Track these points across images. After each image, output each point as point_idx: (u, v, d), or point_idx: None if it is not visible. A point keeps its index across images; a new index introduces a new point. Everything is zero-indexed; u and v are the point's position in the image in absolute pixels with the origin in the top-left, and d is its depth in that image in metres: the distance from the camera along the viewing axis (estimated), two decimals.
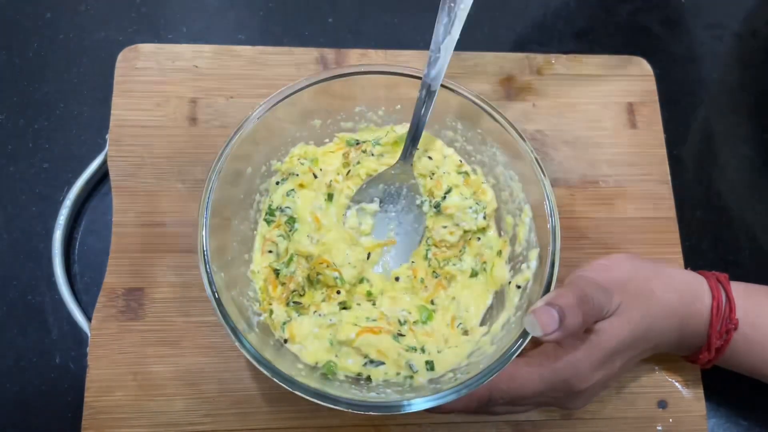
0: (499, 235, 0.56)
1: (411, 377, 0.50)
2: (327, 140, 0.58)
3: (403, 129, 0.56)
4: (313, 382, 0.45)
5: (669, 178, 0.64)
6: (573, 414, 0.56)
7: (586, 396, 0.49)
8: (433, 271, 0.56)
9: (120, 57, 0.62)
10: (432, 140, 0.57)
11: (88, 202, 0.61)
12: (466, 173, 0.57)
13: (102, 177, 0.61)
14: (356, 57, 0.65)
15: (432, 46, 0.50)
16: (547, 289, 0.47)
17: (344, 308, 0.54)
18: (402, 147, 0.55)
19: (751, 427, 0.59)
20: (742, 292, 0.52)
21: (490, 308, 0.54)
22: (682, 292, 0.51)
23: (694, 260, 0.63)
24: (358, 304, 0.54)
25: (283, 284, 0.53)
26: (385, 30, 0.70)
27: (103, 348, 0.54)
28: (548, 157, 0.64)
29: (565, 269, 0.50)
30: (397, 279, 0.55)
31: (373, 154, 0.56)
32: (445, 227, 0.56)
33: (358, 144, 0.57)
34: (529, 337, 0.46)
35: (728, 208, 0.67)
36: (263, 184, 0.55)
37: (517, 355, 0.45)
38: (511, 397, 0.48)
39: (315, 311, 0.53)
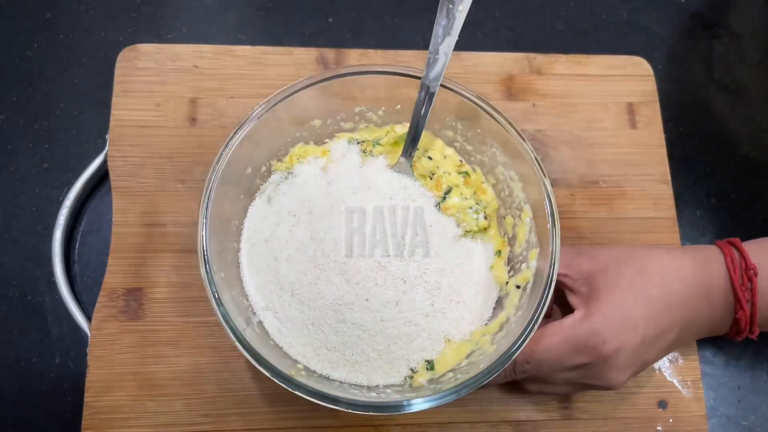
0: (500, 235, 0.56)
1: (411, 377, 0.50)
2: (327, 140, 0.58)
3: (403, 129, 0.56)
4: (313, 382, 0.45)
5: (669, 178, 0.64)
6: (573, 414, 0.56)
7: (617, 368, 0.49)
8: None
9: (120, 57, 0.62)
10: (432, 140, 0.57)
11: (88, 202, 0.61)
12: (466, 173, 0.57)
13: (102, 177, 0.61)
14: (356, 57, 0.65)
15: (431, 48, 0.50)
16: (546, 289, 0.47)
17: None
18: (402, 147, 0.55)
19: (751, 427, 0.59)
20: (753, 246, 0.52)
21: None
22: (693, 255, 0.52)
23: None
24: None
25: None
26: (385, 30, 0.70)
27: (103, 348, 0.54)
28: (548, 157, 0.64)
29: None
30: None
31: (373, 155, 0.56)
32: None
33: (358, 144, 0.57)
34: (529, 338, 0.46)
35: (728, 209, 0.67)
36: (263, 183, 0.55)
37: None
38: (537, 361, 0.49)
39: None
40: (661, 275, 0.50)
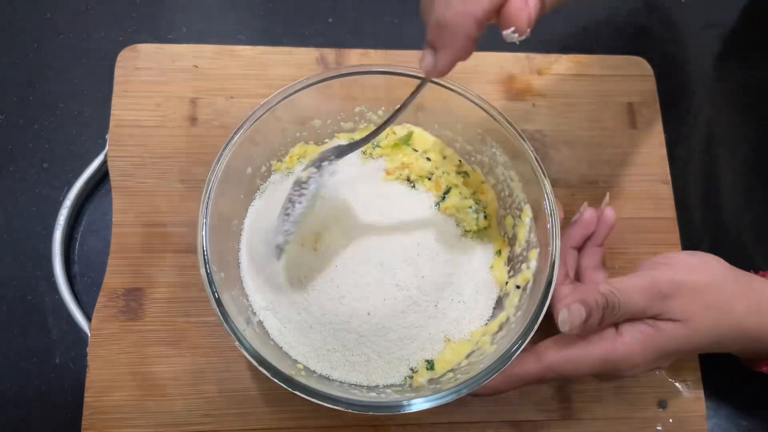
0: (500, 235, 0.56)
1: (411, 377, 0.50)
2: (327, 140, 0.58)
3: (402, 131, 0.56)
4: (313, 382, 0.45)
5: (669, 178, 0.64)
6: (573, 414, 0.56)
7: (625, 379, 0.50)
8: None
9: (120, 57, 0.62)
10: (432, 140, 0.57)
11: (88, 202, 0.61)
12: (466, 173, 0.57)
13: (102, 177, 0.61)
14: (356, 57, 0.65)
15: None
16: (546, 290, 0.47)
17: None
18: (402, 149, 0.55)
19: (751, 427, 0.59)
20: None
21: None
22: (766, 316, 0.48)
23: None
24: None
25: None
26: (385, 30, 0.70)
27: (103, 348, 0.54)
28: (548, 157, 0.63)
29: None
30: None
31: (372, 156, 0.56)
32: None
33: None
34: (528, 338, 0.46)
35: (728, 208, 0.67)
36: (263, 183, 0.55)
37: (575, 335, 0.47)
38: (563, 377, 0.48)
39: None
40: (718, 330, 0.47)
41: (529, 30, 0.39)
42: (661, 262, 0.49)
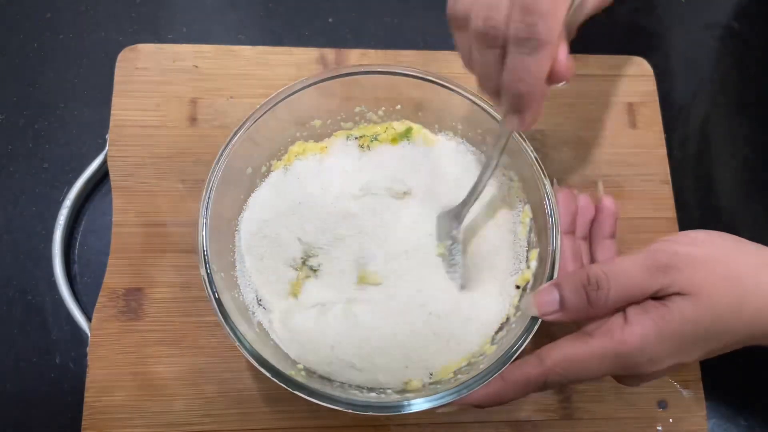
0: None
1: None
2: (326, 140, 0.58)
3: (401, 126, 0.56)
4: (313, 383, 0.45)
5: (669, 178, 0.64)
6: (573, 414, 0.56)
7: (650, 379, 0.45)
8: None
9: (120, 57, 0.62)
10: (432, 137, 0.57)
11: (88, 202, 0.61)
12: None
13: (102, 177, 0.61)
14: (356, 57, 0.65)
15: None
16: None
17: None
18: (399, 143, 0.55)
19: (751, 427, 0.59)
20: None
21: None
22: None
23: None
24: None
25: None
26: (385, 30, 0.70)
27: (103, 348, 0.54)
28: (548, 157, 0.63)
29: None
30: None
31: (370, 150, 0.56)
32: None
33: (356, 139, 0.57)
34: (529, 337, 0.46)
35: (728, 208, 0.67)
36: (263, 183, 0.55)
37: (578, 330, 0.44)
38: (569, 379, 0.44)
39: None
40: (742, 301, 0.41)
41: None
42: (663, 239, 0.45)
